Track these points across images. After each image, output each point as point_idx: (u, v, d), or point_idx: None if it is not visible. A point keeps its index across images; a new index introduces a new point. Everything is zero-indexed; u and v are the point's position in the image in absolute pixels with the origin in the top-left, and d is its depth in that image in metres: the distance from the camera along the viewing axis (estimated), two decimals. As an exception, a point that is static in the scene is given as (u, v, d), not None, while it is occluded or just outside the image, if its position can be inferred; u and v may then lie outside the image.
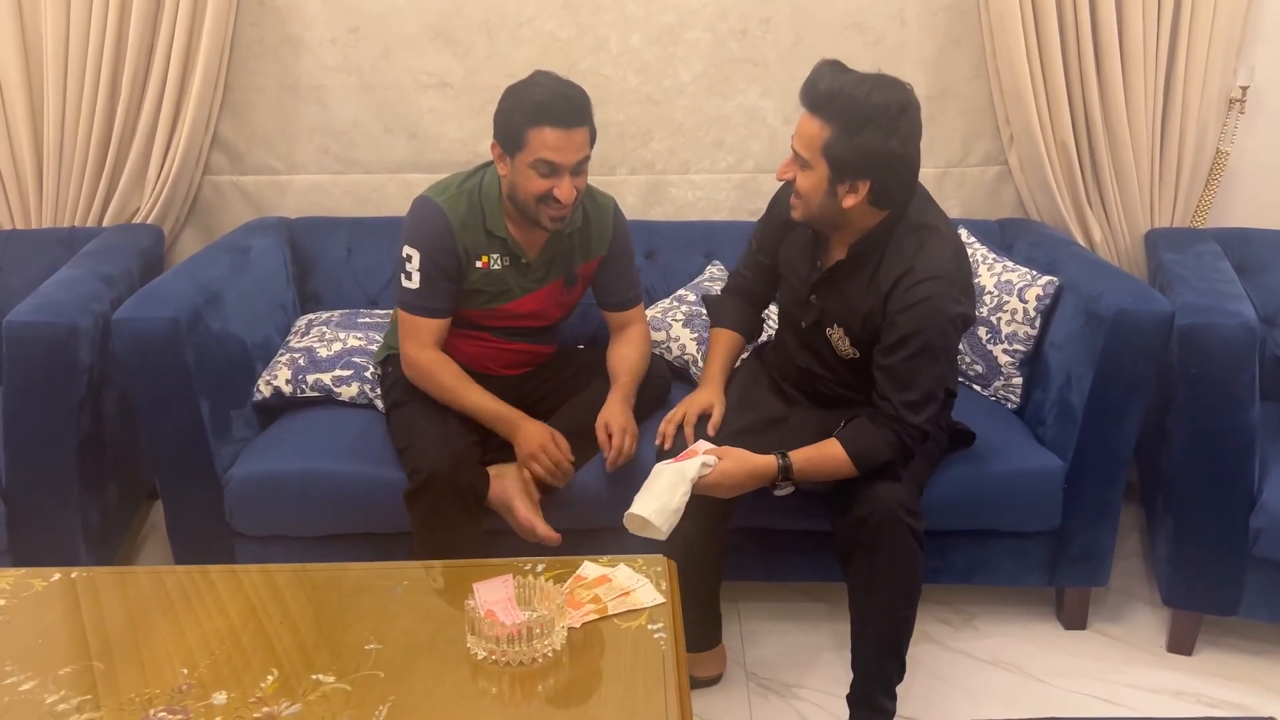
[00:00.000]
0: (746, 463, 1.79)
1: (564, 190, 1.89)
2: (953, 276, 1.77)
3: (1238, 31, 2.48)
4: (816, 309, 1.93)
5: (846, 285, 1.87)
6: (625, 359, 2.13)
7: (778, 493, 1.84)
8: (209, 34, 2.46)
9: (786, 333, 2.06)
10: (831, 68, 1.73)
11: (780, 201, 2.00)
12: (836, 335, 1.91)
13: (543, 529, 1.95)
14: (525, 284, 2.06)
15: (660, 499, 1.75)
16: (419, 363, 2.02)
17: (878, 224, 1.81)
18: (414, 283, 1.98)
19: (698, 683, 2.04)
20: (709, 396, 2.00)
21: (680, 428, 1.97)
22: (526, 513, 1.96)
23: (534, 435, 1.96)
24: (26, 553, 2.07)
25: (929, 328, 1.74)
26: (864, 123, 1.68)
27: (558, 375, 2.20)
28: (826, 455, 1.80)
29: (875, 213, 1.79)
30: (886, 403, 1.79)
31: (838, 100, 1.69)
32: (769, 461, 1.80)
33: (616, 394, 2.06)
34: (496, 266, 2.02)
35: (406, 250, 1.99)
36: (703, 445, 1.84)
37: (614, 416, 2.01)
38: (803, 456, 1.80)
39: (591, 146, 1.94)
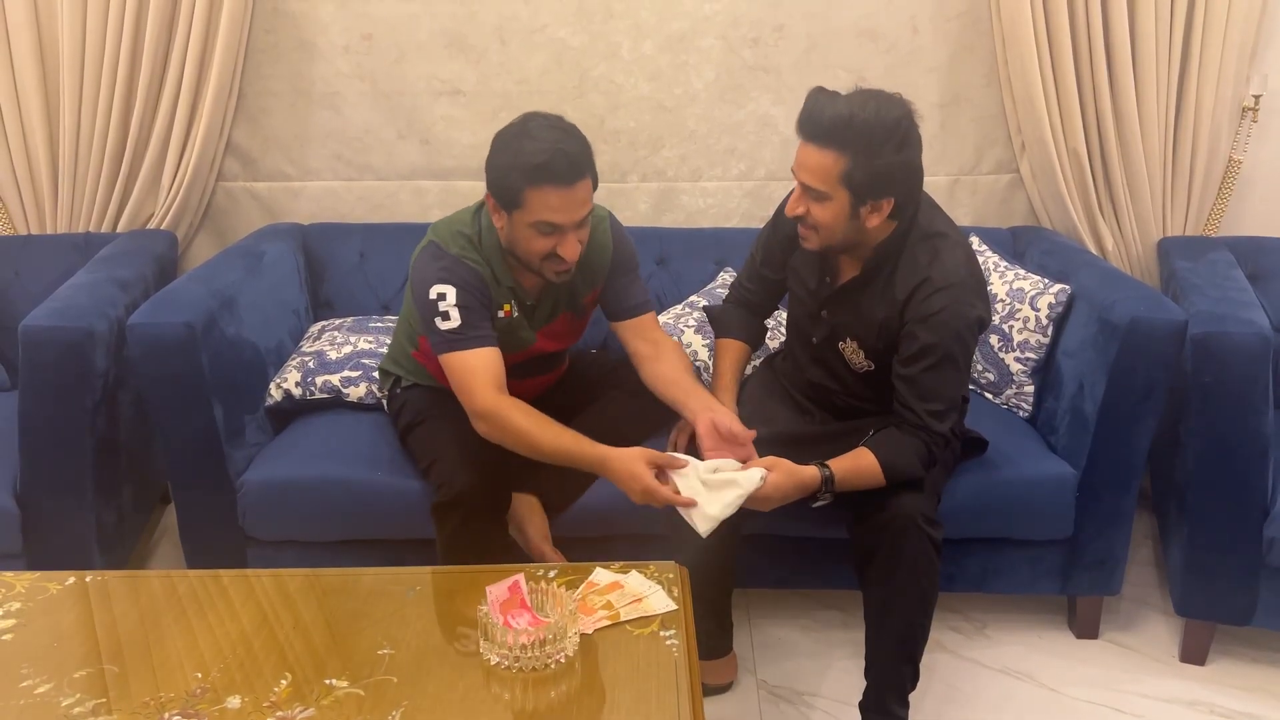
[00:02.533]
0: (795, 475, 1.77)
1: (568, 249, 1.80)
2: (967, 283, 1.77)
3: (1251, 39, 2.47)
4: (828, 324, 1.93)
5: (859, 299, 1.86)
6: (674, 368, 1.98)
7: (816, 504, 1.83)
8: (223, 40, 2.48)
9: (797, 347, 2.06)
10: (827, 96, 1.71)
11: (785, 220, 1.99)
12: (850, 349, 1.91)
13: (551, 556, 1.96)
14: (536, 323, 1.99)
15: (721, 506, 1.70)
16: (488, 408, 1.79)
17: (889, 236, 1.80)
18: (454, 320, 1.81)
19: (709, 690, 2.04)
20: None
21: (692, 439, 1.97)
22: (538, 540, 1.96)
23: (632, 474, 1.72)
24: (40, 555, 2.08)
25: (949, 337, 1.75)
26: (881, 143, 1.67)
27: (572, 387, 2.18)
28: (861, 466, 1.79)
29: (889, 225, 1.79)
30: (910, 412, 1.79)
31: (851, 128, 1.66)
32: (813, 473, 1.78)
33: (717, 394, 1.96)
34: (516, 314, 1.95)
35: (438, 290, 1.82)
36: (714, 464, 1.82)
37: (722, 415, 1.85)
38: (841, 467, 1.79)
39: (594, 192, 1.83)
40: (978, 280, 1.81)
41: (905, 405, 1.80)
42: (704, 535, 1.72)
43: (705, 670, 2.02)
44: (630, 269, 2.06)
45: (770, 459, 1.78)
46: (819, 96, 1.71)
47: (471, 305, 1.84)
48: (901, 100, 1.71)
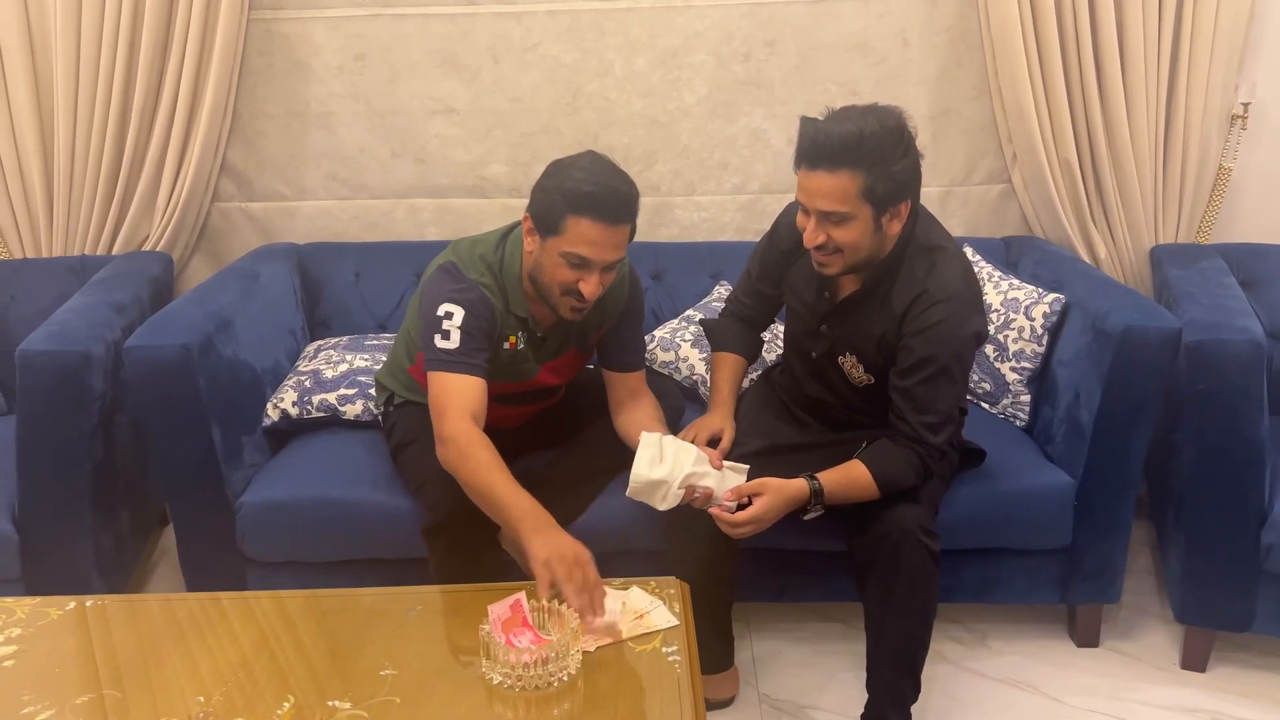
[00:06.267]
0: (784, 493, 1.78)
1: (590, 287, 1.78)
2: (964, 296, 1.78)
3: (1238, 47, 2.49)
4: (828, 339, 1.93)
5: (859, 313, 1.87)
6: (649, 417, 1.99)
7: (807, 516, 1.83)
8: (218, 62, 2.48)
9: (795, 361, 2.06)
10: (823, 122, 1.70)
11: (782, 228, 2.00)
12: (849, 363, 1.91)
13: None
14: (541, 356, 1.98)
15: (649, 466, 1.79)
16: (456, 434, 1.74)
17: (890, 248, 1.81)
18: (452, 341, 1.79)
19: (711, 705, 2.04)
20: (718, 421, 2.00)
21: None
22: None
23: (560, 545, 1.56)
24: (39, 580, 2.07)
25: (945, 350, 1.76)
26: (892, 151, 1.68)
27: (565, 409, 2.15)
28: (853, 478, 1.80)
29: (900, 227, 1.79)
30: (905, 424, 1.79)
31: (864, 144, 1.66)
32: (801, 485, 1.79)
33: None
34: (521, 345, 1.94)
35: (446, 308, 1.81)
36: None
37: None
38: (831, 479, 1.80)
39: (630, 241, 1.82)
40: (975, 293, 1.82)
41: (900, 417, 1.80)
42: (628, 492, 1.80)
43: (707, 685, 2.01)
44: (637, 321, 2.07)
45: (758, 481, 1.79)
46: (815, 125, 1.71)
47: (474, 333, 1.82)
48: (892, 107, 1.72)
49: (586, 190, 1.73)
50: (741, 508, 1.79)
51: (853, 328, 1.88)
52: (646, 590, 1.57)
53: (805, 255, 1.89)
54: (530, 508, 1.65)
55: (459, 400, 1.78)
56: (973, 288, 1.82)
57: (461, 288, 1.84)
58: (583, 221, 1.74)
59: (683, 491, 1.79)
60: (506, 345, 1.92)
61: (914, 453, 1.79)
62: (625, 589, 1.57)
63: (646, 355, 2.41)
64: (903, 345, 1.80)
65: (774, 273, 2.04)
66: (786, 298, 2.04)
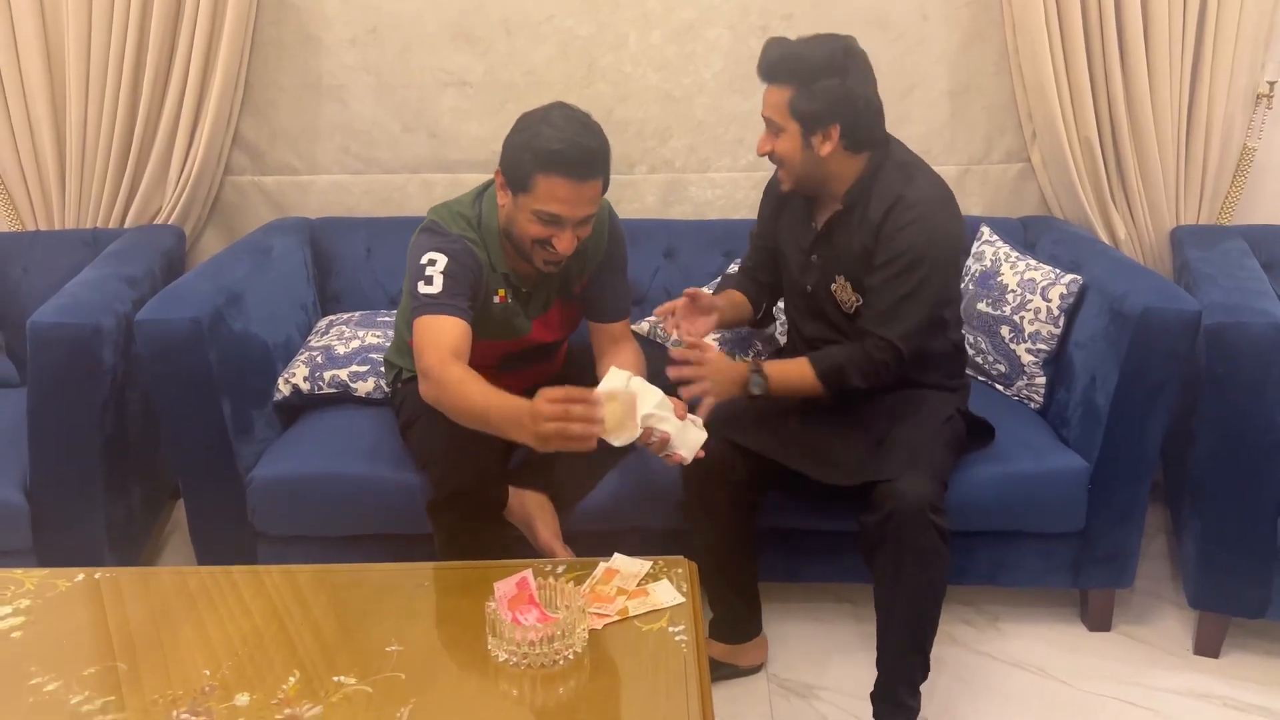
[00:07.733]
0: (725, 359, 1.90)
1: (564, 243, 1.79)
2: (940, 199, 1.87)
3: (1265, 25, 2.44)
4: (818, 267, 1.98)
5: (841, 232, 1.93)
6: (625, 364, 1.95)
7: (755, 389, 1.86)
8: (229, 34, 2.47)
9: (793, 308, 2.11)
10: (778, 41, 1.86)
11: (773, 182, 2.08)
12: (839, 287, 1.96)
13: (561, 552, 1.94)
14: (530, 312, 1.99)
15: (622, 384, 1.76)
16: (433, 365, 1.74)
17: (864, 171, 1.88)
18: (435, 286, 1.80)
19: (741, 672, 2.08)
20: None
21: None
22: (547, 535, 1.95)
23: (529, 417, 1.58)
24: (50, 553, 2.08)
25: (918, 244, 1.83)
26: (818, 73, 1.80)
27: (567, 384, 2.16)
28: (791, 366, 1.90)
29: (853, 157, 1.88)
30: (867, 318, 1.87)
31: (789, 62, 1.81)
32: (740, 364, 1.89)
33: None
34: (510, 301, 1.94)
35: (429, 256, 1.82)
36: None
37: None
38: (772, 365, 1.90)
39: (603, 194, 1.83)
40: (951, 201, 1.91)
41: (864, 311, 1.88)
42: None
43: (738, 654, 2.07)
44: (619, 269, 2.05)
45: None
46: (771, 41, 1.86)
47: (457, 276, 1.83)
48: (845, 37, 1.85)
49: (555, 148, 1.72)
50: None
51: (840, 248, 1.94)
52: (656, 569, 1.56)
53: (794, 199, 2.00)
54: (509, 405, 1.63)
55: (439, 338, 1.77)
56: (949, 197, 1.90)
57: (446, 239, 1.86)
58: (553, 179, 1.74)
59: (641, 431, 1.76)
60: (497, 299, 1.93)
61: (859, 346, 1.86)
62: (607, 560, 1.57)
63: (657, 333, 2.40)
64: (879, 246, 1.86)
65: (769, 224, 2.11)
66: (781, 245, 2.08)
